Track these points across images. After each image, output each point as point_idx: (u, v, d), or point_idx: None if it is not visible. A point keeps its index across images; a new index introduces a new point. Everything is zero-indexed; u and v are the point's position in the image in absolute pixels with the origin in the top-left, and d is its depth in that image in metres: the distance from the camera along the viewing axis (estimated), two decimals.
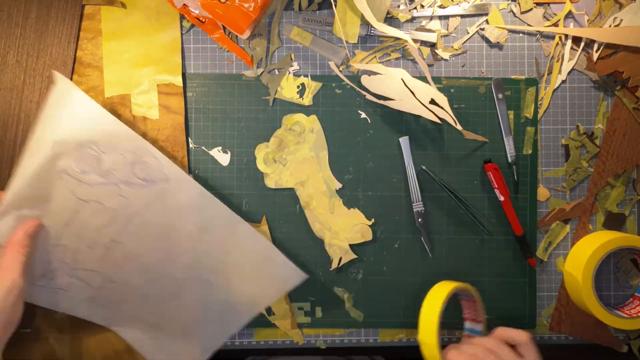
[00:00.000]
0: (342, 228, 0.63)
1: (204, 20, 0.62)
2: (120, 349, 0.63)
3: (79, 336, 0.63)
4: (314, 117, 0.63)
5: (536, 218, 0.64)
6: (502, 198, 0.62)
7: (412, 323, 0.63)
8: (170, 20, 0.63)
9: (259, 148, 0.63)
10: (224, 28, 0.63)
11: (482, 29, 0.64)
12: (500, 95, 0.63)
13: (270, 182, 0.63)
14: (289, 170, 0.63)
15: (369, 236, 0.63)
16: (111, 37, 0.63)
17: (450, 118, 0.61)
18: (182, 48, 0.64)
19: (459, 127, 0.61)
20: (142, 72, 0.63)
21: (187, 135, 0.63)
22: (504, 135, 0.63)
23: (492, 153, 0.64)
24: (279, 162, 0.63)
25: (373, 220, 0.63)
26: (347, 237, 0.63)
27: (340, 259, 0.63)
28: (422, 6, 0.64)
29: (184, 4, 0.60)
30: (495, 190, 0.62)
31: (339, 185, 0.63)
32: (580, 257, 0.60)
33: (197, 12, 0.61)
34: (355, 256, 0.63)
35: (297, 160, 0.63)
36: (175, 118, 0.63)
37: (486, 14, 0.64)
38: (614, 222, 0.64)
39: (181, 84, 0.63)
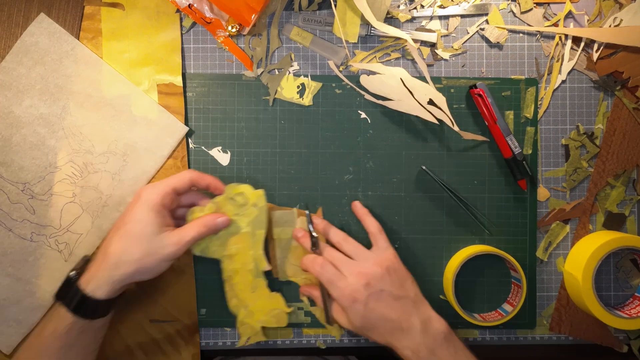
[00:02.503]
0: (258, 309, 0.60)
1: (209, 22, 0.62)
2: (120, 349, 0.63)
3: None
4: (261, 191, 0.59)
5: (536, 218, 0.64)
6: (487, 123, 0.62)
7: None
8: (170, 20, 0.63)
9: (192, 211, 0.58)
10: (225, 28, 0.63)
11: (482, 29, 0.64)
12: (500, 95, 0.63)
13: (197, 249, 0.59)
14: (219, 240, 0.59)
15: (283, 322, 0.61)
16: (111, 37, 0.63)
17: (447, 119, 0.61)
18: (182, 48, 0.64)
19: (456, 128, 0.61)
20: (142, 72, 0.63)
21: (187, 135, 0.63)
22: (504, 135, 0.63)
23: (493, 153, 0.64)
24: None
25: (292, 308, 0.62)
26: (261, 319, 0.60)
27: (249, 338, 0.61)
28: (422, 6, 0.64)
29: (190, 4, 0.60)
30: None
31: (267, 267, 0.59)
32: (580, 257, 0.60)
33: (207, 15, 0.61)
34: (264, 339, 0.61)
35: (231, 232, 0.59)
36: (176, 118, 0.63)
37: (486, 14, 0.64)
38: (614, 222, 0.64)
39: (181, 84, 0.63)
